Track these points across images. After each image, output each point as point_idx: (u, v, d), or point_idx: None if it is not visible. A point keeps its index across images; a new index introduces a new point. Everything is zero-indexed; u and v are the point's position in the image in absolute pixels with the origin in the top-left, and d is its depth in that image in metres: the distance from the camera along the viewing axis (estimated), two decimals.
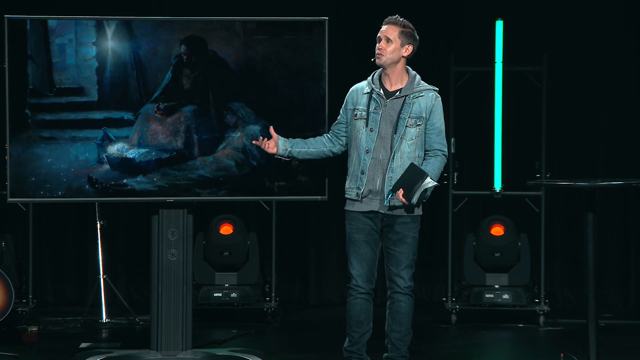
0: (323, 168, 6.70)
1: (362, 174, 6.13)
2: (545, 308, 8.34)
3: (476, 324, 8.31)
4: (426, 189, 6.04)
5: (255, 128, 6.72)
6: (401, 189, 6.01)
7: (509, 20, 8.58)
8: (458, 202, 8.60)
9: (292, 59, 6.70)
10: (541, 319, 8.30)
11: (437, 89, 6.25)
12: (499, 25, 8.45)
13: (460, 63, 8.60)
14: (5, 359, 6.92)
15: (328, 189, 6.74)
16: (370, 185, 6.13)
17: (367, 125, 6.13)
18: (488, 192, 8.55)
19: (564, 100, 9.00)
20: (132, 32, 6.62)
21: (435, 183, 6.08)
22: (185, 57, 6.66)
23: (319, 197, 6.77)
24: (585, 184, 6.12)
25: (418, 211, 6.20)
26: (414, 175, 6.01)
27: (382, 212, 6.14)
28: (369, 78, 6.23)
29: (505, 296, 8.35)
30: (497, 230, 8.43)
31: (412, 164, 6.04)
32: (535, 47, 8.83)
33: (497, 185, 8.47)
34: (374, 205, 6.15)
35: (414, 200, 6.03)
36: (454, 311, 8.36)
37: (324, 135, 6.38)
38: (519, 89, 8.84)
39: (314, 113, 6.69)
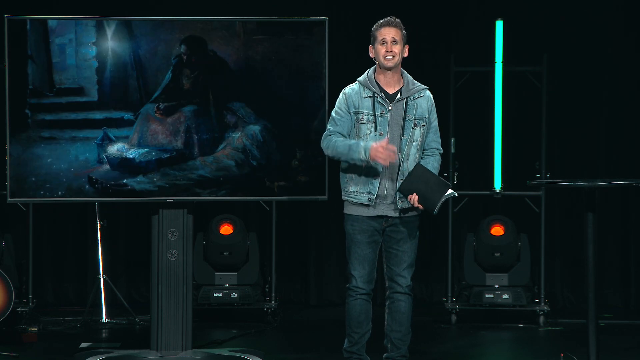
0: (323, 168, 6.70)
1: (375, 178, 6.10)
2: (545, 308, 8.34)
3: (476, 324, 8.31)
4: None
5: (255, 128, 6.72)
6: (415, 195, 5.97)
7: (509, 20, 8.58)
8: (458, 202, 8.59)
9: (292, 59, 6.70)
10: (541, 319, 8.30)
11: (428, 87, 6.25)
12: (499, 25, 8.45)
13: (460, 63, 8.59)
14: (5, 359, 6.92)
15: (328, 189, 6.74)
16: (380, 190, 6.12)
17: (375, 130, 6.09)
18: (488, 192, 8.55)
19: (564, 100, 9.00)
20: (132, 32, 6.62)
21: (455, 193, 6.05)
22: (185, 57, 6.66)
23: (319, 197, 6.77)
24: (585, 184, 6.12)
25: (418, 210, 6.20)
26: (430, 183, 5.94)
27: (390, 215, 6.12)
28: (363, 80, 6.18)
29: (505, 296, 8.35)
30: (497, 230, 8.43)
31: (421, 168, 5.98)
32: (535, 47, 8.83)
33: (497, 185, 8.47)
34: (382, 209, 6.13)
35: (436, 211, 6.00)
36: (454, 311, 8.36)
37: (338, 134, 6.13)
38: (519, 89, 8.84)
39: (314, 113, 6.69)
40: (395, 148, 5.96)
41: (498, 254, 8.38)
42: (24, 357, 7.04)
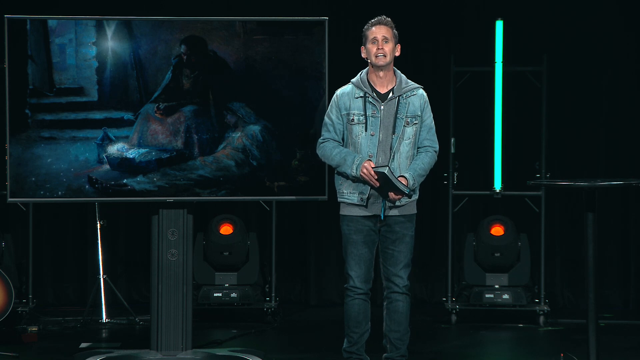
0: (323, 168, 6.70)
1: None
2: (545, 308, 8.34)
3: (476, 324, 8.31)
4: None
5: (255, 128, 6.72)
6: (391, 193, 6.02)
7: (509, 20, 8.58)
8: (458, 202, 8.60)
9: (292, 59, 6.70)
10: (541, 319, 8.30)
11: (423, 86, 6.26)
12: (499, 25, 8.45)
13: (460, 63, 8.59)
14: (5, 359, 6.92)
15: (328, 189, 6.74)
16: (373, 190, 6.12)
17: (366, 130, 6.10)
18: (488, 192, 8.55)
19: (564, 100, 9.00)
20: (132, 32, 6.62)
21: (386, 167, 6.04)
22: (185, 57, 6.66)
23: (319, 197, 6.77)
24: (585, 184, 6.12)
25: (413, 210, 6.20)
26: (382, 181, 6.00)
27: (385, 214, 6.13)
28: (356, 81, 6.20)
29: (505, 296, 8.35)
30: (497, 230, 8.43)
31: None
32: (535, 47, 8.83)
33: (497, 185, 8.47)
34: (376, 208, 6.14)
35: (403, 188, 6.01)
36: (454, 311, 8.36)
37: (332, 141, 6.20)
38: (519, 89, 8.84)
39: (314, 113, 6.69)
40: (375, 176, 6.01)
41: (498, 254, 8.38)
42: (24, 357, 7.04)
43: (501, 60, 8.45)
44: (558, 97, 8.90)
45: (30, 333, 7.60)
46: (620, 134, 9.06)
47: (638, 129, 9.02)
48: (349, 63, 8.67)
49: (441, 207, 8.77)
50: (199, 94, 6.69)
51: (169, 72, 6.65)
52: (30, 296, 8.35)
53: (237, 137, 6.71)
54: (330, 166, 6.72)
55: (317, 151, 6.25)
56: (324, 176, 6.72)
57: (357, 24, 8.99)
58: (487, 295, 8.36)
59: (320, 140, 6.23)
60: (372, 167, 6.01)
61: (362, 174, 6.01)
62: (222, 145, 6.71)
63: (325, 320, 8.58)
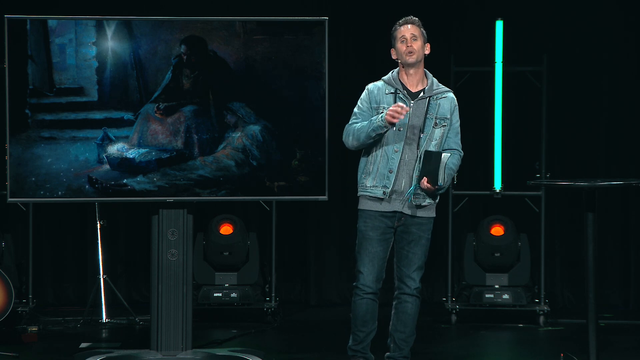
0: (323, 168, 6.70)
1: (391, 172, 6.10)
2: (545, 308, 8.34)
3: (476, 324, 8.31)
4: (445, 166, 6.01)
5: (255, 128, 6.72)
6: (424, 178, 5.99)
7: (509, 20, 8.58)
8: (458, 202, 8.60)
9: (292, 59, 6.70)
10: (541, 319, 8.30)
11: (452, 90, 6.29)
12: (499, 25, 8.45)
13: (460, 63, 8.59)
14: (5, 359, 6.92)
15: (328, 189, 6.74)
16: (396, 185, 6.12)
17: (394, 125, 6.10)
18: (488, 192, 8.55)
19: (564, 100, 9.00)
20: (132, 32, 6.62)
21: (448, 154, 6.03)
22: (185, 57, 6.66)
23: (319, 197, 6.77)
24: (585, 184, 6.12)
25: (432, 213, 6.22)
26: (433, 160, 5.99)
27: (405, 212, 6.13)
28: (387, 78, 6.20)
29: (505, 296, 8.35)
30: (497, 230, 8.43)
31: (427, 152, 6.02)
32: (535, 47, 8.83)
33: (497, 185, 8.47)
34: (397, 205, 6.13)
35: (441, 181, 6.00)
36: (454, 311, 8.36)
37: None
38: (519, 89, 8.84)
39: (314, 113, 6.69)
40: (404, 105, 5.93)
41: (498, 254, 8.38)
42: (24, 357, 7.04)
43: (501, 60, 8.45)
44: (558, 97, 8.90)
45: (30, 333, 7.60)
46: (620, 134, 9.06)
47: (638, 129, 9.02)
48: (349, 63, 8.71)
49: (441, 207, 8.75)
50: (199, 94, 6.69)
51: (169, 72, 6.65)
52: (30, 296, 8.35)
53: (237, 137, 6.71)
54: (331, 166, 6.73)
55: (344, 136, 6.17)
56: (324, 176, 6.72)
57: (357, 23, 9.03)
58: (487, 295, 8.36)
59: (347, 125, 6.19)
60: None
61: (387, 116, 5.92)
62: (222, 145, 6.71)
63: (325, 320, 8.58)
